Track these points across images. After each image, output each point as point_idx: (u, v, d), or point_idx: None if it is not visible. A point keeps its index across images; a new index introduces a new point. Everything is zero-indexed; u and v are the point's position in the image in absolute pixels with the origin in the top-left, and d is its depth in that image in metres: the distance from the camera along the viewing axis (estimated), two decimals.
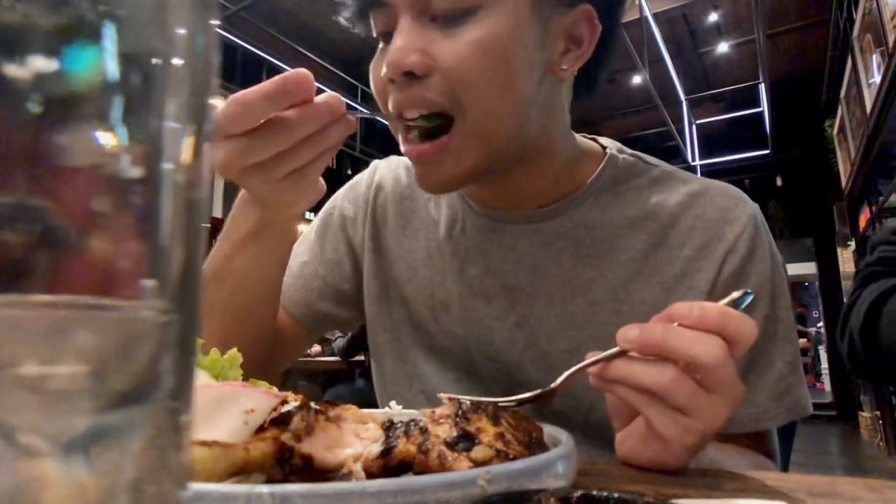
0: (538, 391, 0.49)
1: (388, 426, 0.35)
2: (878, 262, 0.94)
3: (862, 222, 5.60)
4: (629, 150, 0.73)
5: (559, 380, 0.49)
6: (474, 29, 0.55)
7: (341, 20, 0.65)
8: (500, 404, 0.46)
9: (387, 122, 0.62)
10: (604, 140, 0.74)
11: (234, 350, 0.50)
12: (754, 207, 0.68)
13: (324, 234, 0.81)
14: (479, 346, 0.70)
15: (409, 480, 0.28)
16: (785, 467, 2.47)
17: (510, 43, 0.56)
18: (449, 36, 0.55)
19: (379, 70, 0.59)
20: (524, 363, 0.68)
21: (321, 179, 0.60)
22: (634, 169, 0.71)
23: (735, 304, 0.47)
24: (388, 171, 0.82)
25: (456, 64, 0.55)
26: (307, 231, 0.84)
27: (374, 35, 0.62)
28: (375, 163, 0.85)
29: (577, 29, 0.61)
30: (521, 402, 0.49)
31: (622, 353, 0.46)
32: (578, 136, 0.72)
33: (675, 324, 0.45)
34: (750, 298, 0.48)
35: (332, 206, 0.83)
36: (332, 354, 4.08)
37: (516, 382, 0.68)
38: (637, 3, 4.79)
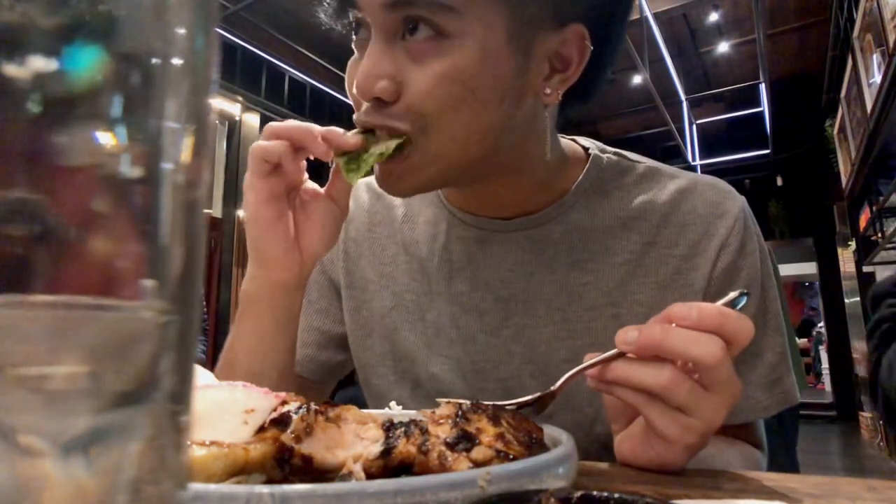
0: (538, 394, 0.49)
1: (388, 427, 0.35)
2: (892, 318, 0.93)
3: (862, 222, 5.60)
4: (611, 149, 0.72)
5: (558, 382, 0.49)
6: (443, 60, 0.53)
7: (322, 16, 0.65)
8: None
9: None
10: (584, 141, 0.73)
11: None
12: (742, 200, 0.67)
13: (309, 285, 0.78)
14: (475, 364, 0.68)
15: (409, 481, 0.28)
16: (796, 467, 2.47)
17: (479, 74, 0.53)
18: (418, 62, 0.53)
19: (350, 77, 0.59)
20: (523, 377, 0.66)
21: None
22: (619, 167, 0.70)
23: (731, 304, 0.47)
24: (353, 202, 0.79)
25: (422, 95, 0.53)
26: None
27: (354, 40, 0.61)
28: None
29: (566, 50, 0.58)
30: (520, 406, 0.49)
31: (620, 355, 0.46)
32: (563, 139, 0.71)
33: (674, 325, 0.45)
34: (745, 299, 0.48)
35: None
36: None
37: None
38: (637, 3, 4.78)
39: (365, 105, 0.56)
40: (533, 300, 0.67)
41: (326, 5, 0.62)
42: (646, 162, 0.72)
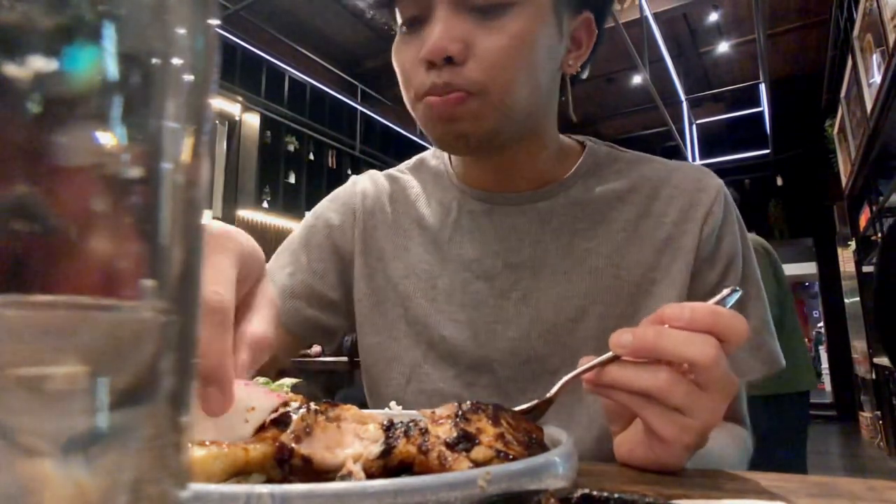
0: (535, 402, 0.49)
1: (388, 426, 0.35)
2: None
3: (862, 222, 5.60)
4: (603, 143, 0.81)
5: (554, 389, 0.48)
6: (510, 22, 0.62)
7: (360, 3, 0.71)
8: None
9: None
10: (578, 137, 0.82)
11: None
12: (720, 181, 0.76)
13: (308, 244, 0.81)
14: (486, 325, 0.72)
15: (409, 481, 0.28)
16: (804, 463, 2.48)
17: (538, 36, 0.63)
18: (486, 27, 0.61)
19: (405, 54, 0.65)
20: (531, 338, 0.70)
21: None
22: (612, 155, 0.79)
23: (723, 301, 0.47)
24: (369, 181, 0.85)
25: (493, 52, 0.61)
26: (289, 241, 0.84)
27: (399, 21, 0.66)
28: (354, 178, 0.88)
29: (579, 32, 0.70)
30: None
31: (615, 359, 0.46)
32: (560, 135, 0.79)
33: (667, 325, 0.45)
34: (738, 295, 0.48)
35: (315, 217, 0.84)
36: (333, 354, 4.09)
37: (523, 360, 0.70)
38: (637, 3, 4.78)
39: (427, 74, 0.62)
40: (539, 266, 0.72)
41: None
42: (635, 152, 0.81)
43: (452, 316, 0.74)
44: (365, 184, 0.84)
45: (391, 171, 0.87)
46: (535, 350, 0.70)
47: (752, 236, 2.62)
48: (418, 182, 0.83)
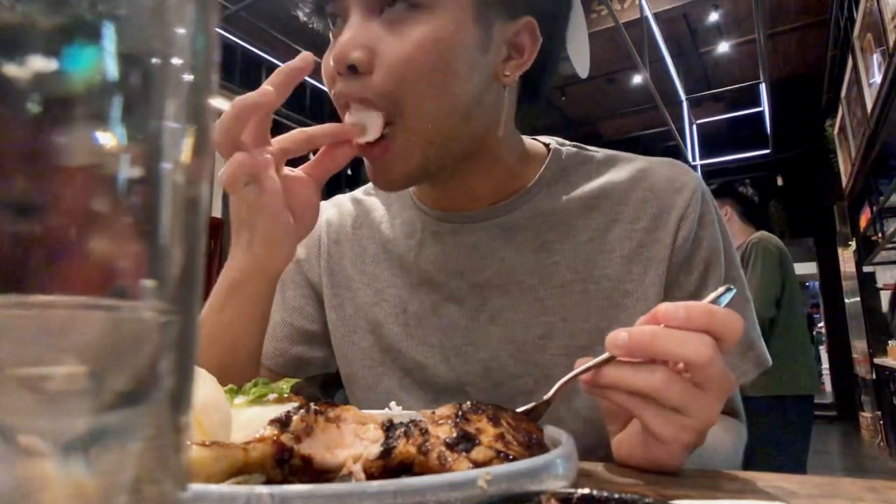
0: (533, 404, 0.49)
1: (388, 427, 0.35)
2: None
3: (862, 222, 5.60)
4: (569, 143, 0.76)
5: (552, 391, 0.48)
6: (418, 28, 0.57)
7: (300, 15, 0.70)
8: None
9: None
10: (544, 139, 0.77)
11: None
12: (698, 177, 0.71)
13: (283, 283, 0.81)
14: (456, 349, 0.70)
15: (409, 481, 0.28)
16: (804, 468, 2.48)
17: (451, 45, 0.58)
18: (394, 33, 0.58)
19: (325, 60, 0.62)
20: (501, 357, 0.69)
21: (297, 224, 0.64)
22: (578, 157, 0.74)
23: (717, 300, 0.47)
24: (334, 209, 0.84)
25: (398, 61, 0.57)
26: None
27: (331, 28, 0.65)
28: (321, 204, 0.88)
29: (520, 39, 0.64)
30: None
31: (611, 359, 0.46)
32: (524, 138, 0.75)
33: (662, 325, 0.45)
34: (731, 294, 0.48)
35: None
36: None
37: (496, 381, 0.69)
38: (637, 3, 4.78)
39: (338, 81, 0.60)
40: (506, 283, 0.70)
41: (304, 3, 0.66)
42: (603, 151, 0.76)
43: (425, 340, 0.72)
44: (329, 212, 0.83)
45: (356, 192, 0.85)
46: (506, 370, 0.68)
47: (765, 236, 2.61)
48: (382, 203, 0.81)
